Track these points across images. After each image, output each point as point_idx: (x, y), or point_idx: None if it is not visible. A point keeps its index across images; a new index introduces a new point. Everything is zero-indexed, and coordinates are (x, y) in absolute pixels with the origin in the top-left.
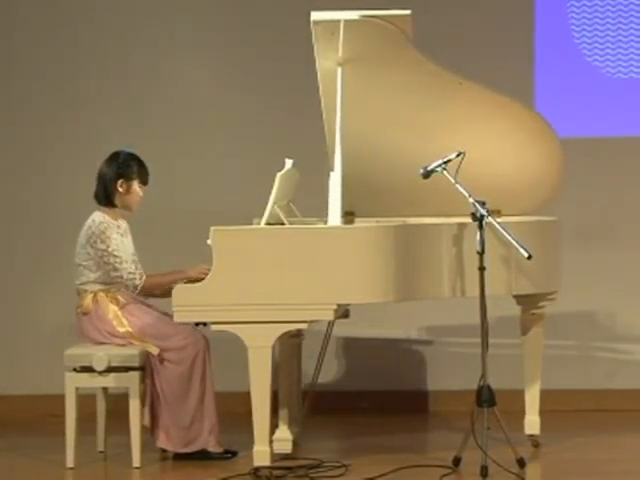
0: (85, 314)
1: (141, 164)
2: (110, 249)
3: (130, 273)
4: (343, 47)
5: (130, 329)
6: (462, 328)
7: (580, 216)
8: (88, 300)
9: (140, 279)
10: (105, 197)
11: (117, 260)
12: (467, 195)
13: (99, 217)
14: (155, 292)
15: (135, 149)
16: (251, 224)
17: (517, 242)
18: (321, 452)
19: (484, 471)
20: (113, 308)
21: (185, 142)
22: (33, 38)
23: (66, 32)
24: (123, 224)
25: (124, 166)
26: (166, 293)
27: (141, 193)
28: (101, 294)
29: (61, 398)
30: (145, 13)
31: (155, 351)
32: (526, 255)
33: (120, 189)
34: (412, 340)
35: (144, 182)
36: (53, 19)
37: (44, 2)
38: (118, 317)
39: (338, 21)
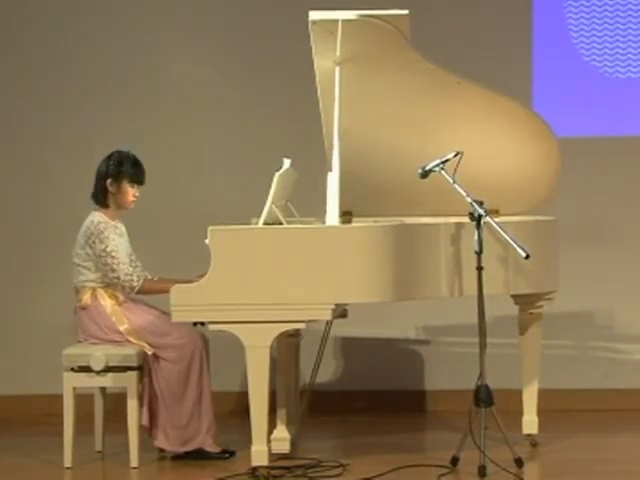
0: (84, 309)
1: (134, 164)
2: (109, 249)
3: (127, 274)
4: (341, 46)
5: (129, 326)
6: (460, 328)
7: (577, 216)
8: (87, 295)
9: (138, 281)
10: (98, 197)
11: (115, 261)
12: (465, 195)
13: (97, 217)
14: (151, 295)
15: (134, 148)
16: (249, 224)
17: (515, 242)
18: (319, 452)
19: (482, 471)
20: (112, 303)
21: (183, 142)
22: (34, 38)
23: (66, 32)
24: (120, 225)
25: (114, 166)
26: None
27: (136, 192)
28: (100, 290)
29: (59, 398)
30: (146, 13)
31: (149, 351)
32: (524, 255)
33: (110, 188)
34: (410, 340)
35: (137, 182)
36: (54, 18)
37: (45, 1)
38: (117, 313)
39: (336, 21)
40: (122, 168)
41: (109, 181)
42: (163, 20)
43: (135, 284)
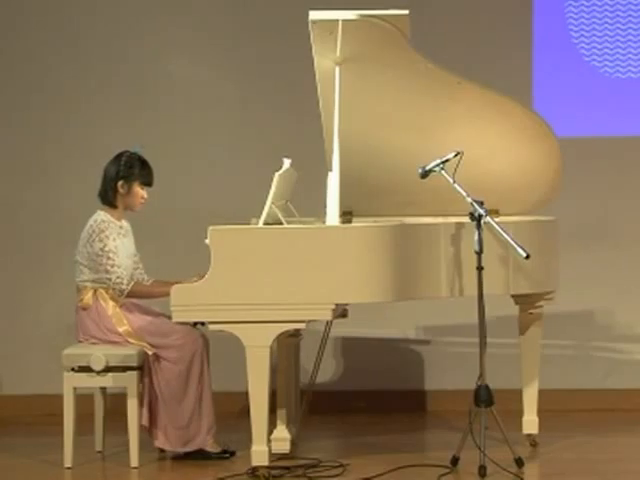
0: (85, 309)
1: (144, 165)
2: (106, 249)
3: (118, 277)
4: (341, 46)
5: (129, 328)
6: (460, 328)
7: (577, 216)
8: (89, 295)
9: (127, 285)
10: (107, 197)
11: (110, 262)
12: (465, 195)
13: (101, 216)
14: (143, 299)
15: (142, 149)
16: (249, 224)
17: (515, 242)
18: (319, 452)
19: (482, 471)
20: (113, 305)
21: (184, 142)
22: (34, 37)
23: (67, 32)
24: (125, 224)
25: (125, 167)
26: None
27: (144, 194)
28: (101, 291)
29: (59, 398)
30: (145, 13)
31: (150, 351)
32: (524, 255)
33: (121, 190)
34: (410, 340)
35: (146, 184)
36: (54, 18)
37: (46, 2)
38: (118, 314)
39: (336, 20)
40: (134, 170)
41: (121, 183)
42: (163, 21)
43: (124, 287)
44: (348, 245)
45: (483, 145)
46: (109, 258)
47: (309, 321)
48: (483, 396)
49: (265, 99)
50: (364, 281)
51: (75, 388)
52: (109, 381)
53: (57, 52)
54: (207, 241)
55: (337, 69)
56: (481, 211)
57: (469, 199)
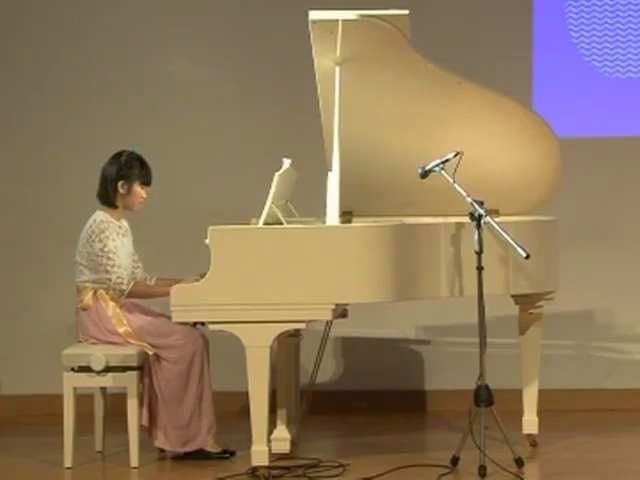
0: (85, 310)
1: (143, 165)
2: (106, 249)
3: (118, 278)
4: (341, 46)
5: (129, 328)
6: (460, 328)
7: (577, 216)
8: (89, 296)
9: (127, 285)
10: (106, 198)
11: (110, 263)
12: (465, 195)
13: (100, 216)
14: (144, 298)
15: (138, 148)
16: (249, 224)
17: (515, 242)
18: (319, 452)
19: (482, 471)
20: (113, 305)
21: (184, 142)
22: (33, 37)
23: (66, 32)
24: (124, 224)
25: (125, 167)
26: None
27: (143, 194)
28: (101, 291)
29: (59, 398)
30: (145, 13)
31: (150, 351)
32: (524, 255)
33: (121, 190)
34: (410, 340)
35: (146, 183)
36: (54, 18)
37: (46, 2)
38: (118, 315)
39: (336, 20)
40: (134, 170)
41: (121, 183)
42: (163, 21)
43: (124, 287)
44: (348, 245)
45: (483, 145)
46: (109, 258)
47: (309, 321)
48: (483, 396)
49: (265, 99)
50: (364, 281)
51: (75, 388)
52: (109, 381)
53: (57, 52)
54: (207, 241)
55: (337, 69)
56: (481, 211)
57: (469, 199)
